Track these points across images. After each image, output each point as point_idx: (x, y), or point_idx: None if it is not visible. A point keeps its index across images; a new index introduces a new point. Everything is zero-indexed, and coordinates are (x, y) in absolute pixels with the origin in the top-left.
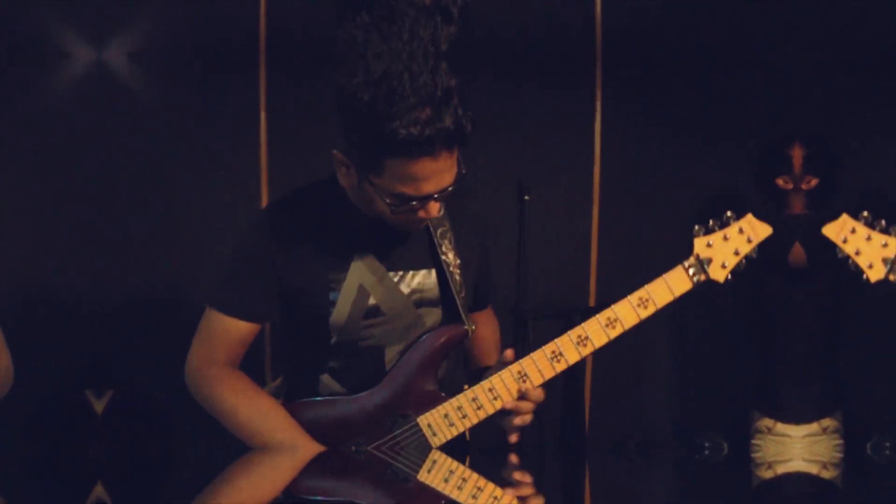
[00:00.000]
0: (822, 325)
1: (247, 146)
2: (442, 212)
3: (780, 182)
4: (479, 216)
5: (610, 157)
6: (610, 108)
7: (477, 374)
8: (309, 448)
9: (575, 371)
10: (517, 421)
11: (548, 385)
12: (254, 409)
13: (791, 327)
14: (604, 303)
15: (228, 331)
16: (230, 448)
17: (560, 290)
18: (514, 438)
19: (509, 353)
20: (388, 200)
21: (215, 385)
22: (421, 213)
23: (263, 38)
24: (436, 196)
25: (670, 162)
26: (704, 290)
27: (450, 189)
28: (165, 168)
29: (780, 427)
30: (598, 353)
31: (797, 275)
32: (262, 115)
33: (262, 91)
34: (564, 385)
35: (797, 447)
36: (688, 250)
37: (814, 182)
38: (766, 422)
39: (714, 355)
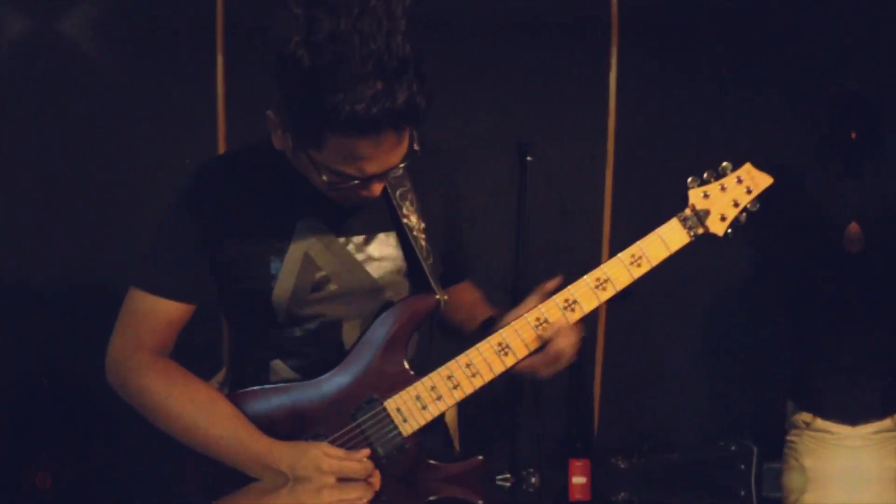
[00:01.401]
0: (887, 315)
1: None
2: (400, 172)
3: (855, 136)
4: (443, 173)
5: (626, 114)
6: (626, 59)
7: (485, 327)
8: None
9: (583, 370)
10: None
11: (551, 387)
12: (187, 399)
13: (848, 318)
14: None
15: (154, 312)
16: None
17: (567, 266)
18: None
19: (552, 283)
20: (325, 178)
21: (142, 374)
22: (362, 192)
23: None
24: (378, 176)
25: (692, 119)
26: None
27: (397, 168)
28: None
29: (820, 423)
30: (609, 351)
31: (851, 258)
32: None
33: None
34: (570, 385)
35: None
36: (682, 203)
37: None
38: (804, 416)
39: (742, 349)
